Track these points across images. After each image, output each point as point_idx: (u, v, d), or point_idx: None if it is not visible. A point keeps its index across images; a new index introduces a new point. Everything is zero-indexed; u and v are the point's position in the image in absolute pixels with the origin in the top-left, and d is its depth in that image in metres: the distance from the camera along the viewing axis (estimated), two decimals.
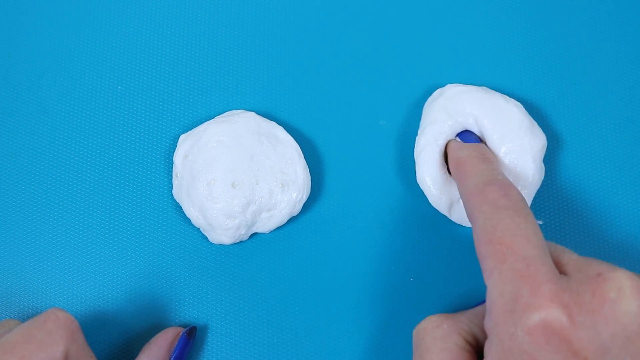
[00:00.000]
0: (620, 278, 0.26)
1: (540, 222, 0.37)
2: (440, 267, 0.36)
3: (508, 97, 0.36)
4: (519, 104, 0.36)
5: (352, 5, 0.40)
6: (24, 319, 0.35)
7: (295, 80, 0.39)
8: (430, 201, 0.35)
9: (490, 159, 0.33)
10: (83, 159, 0.37)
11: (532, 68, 0.39)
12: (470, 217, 0.30)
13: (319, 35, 0.39)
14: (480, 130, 0.35)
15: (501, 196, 0.29)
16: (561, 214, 0.37)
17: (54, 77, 0.38)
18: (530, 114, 0.37)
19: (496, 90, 0.37)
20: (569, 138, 0.38)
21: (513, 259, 0.27)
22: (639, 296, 0.25)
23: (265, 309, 0.36)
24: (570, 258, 0.28)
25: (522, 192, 0.34)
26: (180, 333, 0.34)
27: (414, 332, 0.31)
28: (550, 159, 0.37)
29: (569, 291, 0.26)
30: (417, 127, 0.38)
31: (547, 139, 0.37)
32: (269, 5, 0.40)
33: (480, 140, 0.35)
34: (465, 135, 0.35)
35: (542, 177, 0.35)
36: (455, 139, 0.35)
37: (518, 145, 0.34)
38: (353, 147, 0.38)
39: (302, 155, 0.36)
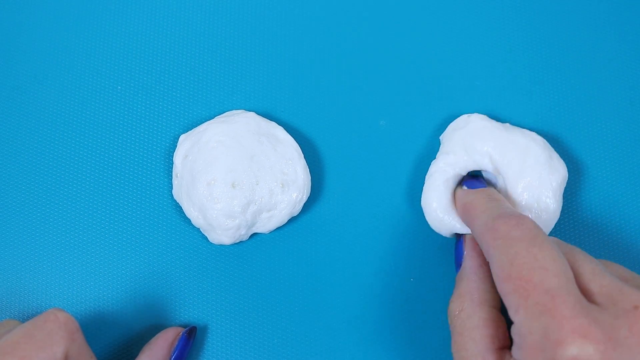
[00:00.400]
0: None
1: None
2: (441, 267, 0.36)
3: (527, 132, 0.35)
4: (538, 137, 0.35)
5: (352, 5, 0.40)
6: (24, 319, 0.35)
7: (295, 81, 0.38)
8: (430, 224, 0.35)
9: (497, 198, 0.33)
10: (83, 159, 0.37)
11: (552, 95, 0.39)
12: (486, 255, 0.29)
13: (318, 35, 0.39)
14: (496, 167, 0.35)
15: (512, 227, 0.28)
16: (579, 239, 0.37)
17: (54, 77, 0.38)
18: (551, 143, 0.37)
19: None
20: (588, 164, 0.38)
21: (536, 293, 0.26)
22: None
23: (265, 309, 0.36)
24: (601, 285, 0.27)
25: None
26: (181, 333, 0.34)
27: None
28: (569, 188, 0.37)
29: (602, 325, 0.25)
30: (417, 127, 0.38)
31: (568, 167, 0.36)
32: (269, 5, 0.40)
33: (487, 185, 0.35)
34: (472, 183, 0.35)
35: (560, 209, 0.35)
36: (462, 187, 0.35)
37: (536, 180, 0.34)
38: (353, 147, 0.38)
39: (302, 156, 0.36)
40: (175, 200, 0.37)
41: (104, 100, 0.38)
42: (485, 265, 0.32)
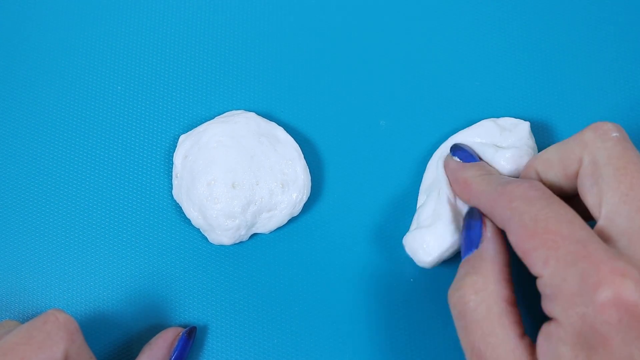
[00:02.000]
0: None
1: None
2: (441, 267, 0.36)
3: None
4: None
5: (351, 6, 0.40)
6: (23, 319, 0.35)
7: (295, 81, 0.38)
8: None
9: (492, 171, 0.33)
10: (83, 159, 0.37)
11: (553, 95, 0.39)
12: (500, 221, 0.29)
13: (318, 35, 0.39)
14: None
15: (528, 189, 0.28)
16: None
17: (53, 77, 0.38)
18: (551, 143, 0.37)
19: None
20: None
21: (567, 243, 0.26)
22: None
23: (265, 309, 0.36)
24: (623, 231, 0.26)
25: None
26: (180, 333, 0.34)
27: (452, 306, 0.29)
28: None
29: (637, 265, 0.25)
30: (418, 126, 0.38)
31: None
32: (269, 5, 0.40)
33: (476, 155, 0.34)
34: (464, 155, 0.34)
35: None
36: (452, 157, 0.34)
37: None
38: (353, 147, 0.38)
39: (302, 156, 0.36)
40: (175, 201, 0.37)
41: (104, 100, 0.38)
42: (507, 251, 0.30)
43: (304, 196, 0.36)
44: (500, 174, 0.33)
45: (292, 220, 0.36)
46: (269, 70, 0.39)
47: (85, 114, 0.38)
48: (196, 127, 0.37)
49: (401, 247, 0.36)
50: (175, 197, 0.36)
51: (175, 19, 0.39)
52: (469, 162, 0.34)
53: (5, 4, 0.39)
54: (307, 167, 0.36)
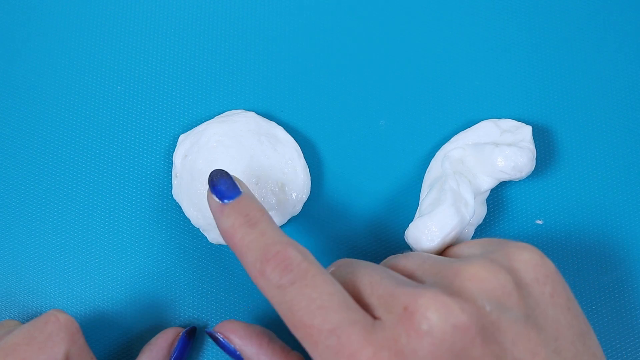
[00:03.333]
0: (424, 306, 0.25)
1: (540, 222, 0.37)
2: None
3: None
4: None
5: (351, 5, 0.40)
6: (24, 319, 0.35)
7: (294, 80, 0.38)
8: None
9: (257, 218, 0.29)
10: (82, 159, 0.37)
11: (553, 95, 0.39)
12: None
13: (318, 35, 0.39)
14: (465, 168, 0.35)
15: (281, 273, 0.27)
16: (561, 213, 0.37)
17: (53, 78, 0.38)
18: (551, 142, 0.37)
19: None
20: (589, 164, 0.38)
21: (322, 337, 0.25)
22: (445, 316, 0.24)
23: (265, 309, 0.36)
24: (378, 296, 0.26)
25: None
26: (180, 333, 0.34)
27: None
28: (552, 156, 0.37)
29: (387, 344, 0.25)
30: (418, 126, 0.38)
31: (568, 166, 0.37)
32: (268, 5, 0.40)
33: (240, 188, 0.30)
34: (221, 190, 0.30)
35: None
36: (211, 195, 0.30)
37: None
38: (353, 146, 0.38)
39: (302, 155, 0.36)
40: (175, 200, 0.37)
41: (103, 99, 0.38)
42: (264, 340, 0.31)
43: (304, 195, 0.36)
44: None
45: (291, 220, 0.36)
46: (268, 70, 0.39)
47: (85, 113, 0.38)
48: (196, 126, 0.37)
49: (401, 247, 0.36)
50: (175, 196, 0.36)
51: (174, 18, 0.39)
52: (227, 199, 0.30)
53: (5, 4, 0.39)
54: (307, 167, 0.36)
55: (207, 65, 0.39)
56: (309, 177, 0.36)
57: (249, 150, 0.35)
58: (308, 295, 0.26)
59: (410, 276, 0.28)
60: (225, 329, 0.31)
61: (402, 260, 0.30)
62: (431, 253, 0.32)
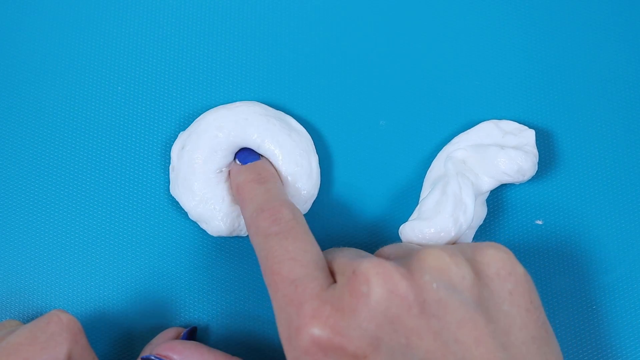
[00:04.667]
0: (367, 270, 0.26)
1: (540, 222, 0.37)
2: None
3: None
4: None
5: (351, 5, 0.40)
6: (25, 320, 0.35)
7: (294, 80, 0.38)
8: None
9: (267, 178, 0.33)
10: (82, 158, 0.37)
11: (553, 95, 0.39)
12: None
13: (317, 35, 0.39)
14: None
15: (270, 223, 0.29)
16: (561, 213, 0.37)
17: (52, 74, 0.38)
18: (551, 142, 0.37)
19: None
20: (589, 164, 0.38)
21: (283, 285, 0.27)
22: (383, 281, 0.26)
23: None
24: (340, 262, 0.28)
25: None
26: (181, 333, 0.34)
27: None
28: (552, 156, 0.37)
29: (332, 300, 0.26)
30: (418, 126, 0.38)
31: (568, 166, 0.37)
32: (268, 3, 0.40)
33: (257, 154, 0.35)
34: (244, 155, 0.35)
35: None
36: (235, 161, 0.35)
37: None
38: (353, 146, 0.38)
39: (315, 149, 0.36)
40: (175, 201, 0.37)
41: (102, 98, 0.38)
42: (207, 352, 0.32)
43: (314, 192, 0.35)
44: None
45: None
46: (267, 70, 0.39)
47: (85, 112, 0.38)
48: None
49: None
50: (172, 192, 0.36)
51: (173, 15, 0.39)
52: (247, 162, 0.34)
53: (5, 3, 0.39)
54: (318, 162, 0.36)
55: (205, 63, 0.39)
56: (319, 174, 0.36)
57: (255, 137, 0.34)
58: (285, 247, 0.28)
59: (385, 259, 0.30)
60: (162, 348, 0.32)
61: (387, 247, 0.31)
62: None
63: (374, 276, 0.26)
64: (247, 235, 0.36)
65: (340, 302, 0.26)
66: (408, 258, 0.28)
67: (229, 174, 0.35)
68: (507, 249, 0.29)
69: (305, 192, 0.35)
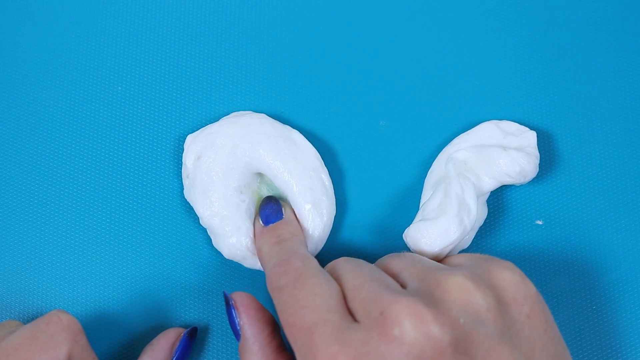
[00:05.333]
0: (399, 312, 0.25)
1: (540, 223, 0.37)
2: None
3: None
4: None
5: (351, 5, 0.40)
6: (26, 320, 0.35)
7: (294, 80, 0.38)
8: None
9: (285, 238, 0.33)
10: (84, 158, 0.37)
11: (553, 96, 0.39)
12: None
13: (317, 35, 0.39)
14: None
15: (280, 276, 0.29)
16: (561, 214, 0.37)
17: (56, 77, 0.38)
18: (551, 142, 0.37)
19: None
20: (589, 164, 0.38)
21: (300, 334, 0.26)
22: (417, 324, 0.25)
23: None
24: (359, 299, 0.27)
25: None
26: (182, 334, 0.34)
27: None
28: (552, 156, 0.37)
29: (355, 344, 0.25)
30: (418, 126, 0.38)
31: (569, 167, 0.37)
32: (270, 6, 0.40)
33: (284, 212, 0.34)
34: (267, 213, 0.34)
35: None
36: (258, 220, 0.35)
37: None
38: (352, 147, 0.38)
39: (323, 162, 0.36)
40: (178, 200, 0.37)
41: (107, 99, 0.38)
42: (267, 329, 0.31)
43: (334, 208, 0.35)
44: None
45: None
46: (268, 70, 0.39)
47: (88, 113, 0.38)
48: (203, 127, 0.36)
49: (402, 247, 0.36)
50: (186, 197, 0.36)
51: (178, 17, 0.39)
52: (270, 223, 0.34)
53: (6, 4, 0.39)
54: (329, 175, 0.36)
55: (209, 65, 0.39)
56: (333, 188, 0.36)
57: (269, 162, 0.35)
58: (295, 296, 0.28)
59: (396, 276, 0.29)
60: (241, 302, 0.31)
61: (394, 259, 0.31)
62: (427, 257, 0.33)
63: (407, 318, 0.25)
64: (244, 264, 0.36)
65: (366, 346, 0.25)
66: (429, 287, 0.27)
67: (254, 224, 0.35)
68: (518, 270, 0.29)
69: (326, 212, 0.35)
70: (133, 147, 0.38)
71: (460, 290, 0.26)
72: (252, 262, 0.35)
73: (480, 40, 0.39)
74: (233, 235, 0.34)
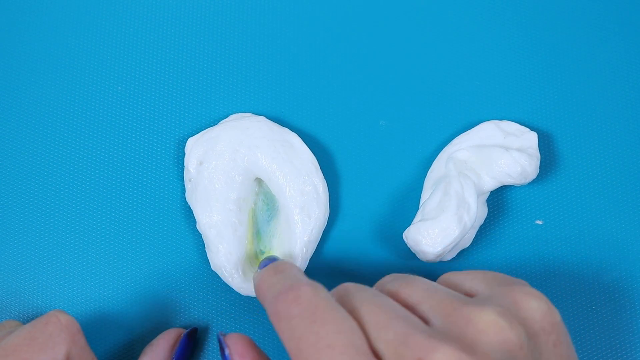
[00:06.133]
0: None
1: (540, 222, 0.37)
2: (443, 268, 0.36)
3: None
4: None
5: (351, 6, 0.40)
6: (25, 320, 0.35)
7: (293, 80, 0.38)
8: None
9: (283, 269, 0.30)
10: (83, 159, 0.37)
11: (553, 96, 0.39)
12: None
13: (316, 36, 0.39)
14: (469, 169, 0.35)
15: (291, 304, 0.26)
16: (561, 214, 0.37)
17: (56, 78, 0.38)
18: (552, 143, 0.37)
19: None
20: (589, 165, 0.38)
21: None
22: None
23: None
24: (386, 341, 0.25)
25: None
26: (182, 334, 0.34)
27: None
28: (551, 157, 0.37)
29: None
30: (418, 126, 0.38)
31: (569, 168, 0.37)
32: (270, 7, 0.40)
33: (276, 258, 0.33)
34: (265, 263, 0.32)
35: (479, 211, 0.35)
36: (257, 270, 0.32)
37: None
38: (352, 147, 0.38)
39: (319, 169, 0.36)
40: (178, 202, 0.37)
41: (107, 101, 0.38)
42: None
43: (325, 217, 0.35)
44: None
45: None
46: (268, 71, 0.39)
47: (90, 114, 0.38)
48: (203, 130, 0.37)
49: (402, 247, 0.36)
50: (188, 200, 0.36)
51: (178, 19, 0.39)
52: (264, 266, 0.31)
53: (6, 4, 0.40)
54: (325, 182, 0.36)
55: (210, 65, 0.39)
56: (328, 195, 0.36)
57: (266, 166, 0.35)
58: (316, 332, 0.25)
59: (414, 308, 0.27)
60: (237, 350, 0.30)
61: (405, 289, 0.29)
62: (429, 257, 0.32)
63: None
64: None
65: None
66: (459, 325, 0.26)
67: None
68: (544, 297, 0.27)
69: (314, 217, 0.35)
70: (133, 148, 0.38)
71: (495, 330, 0.25)
72: (236, 285, 0.35)
73: (480, 40, 0.39)
74: (224, 257, 0.34)
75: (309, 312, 0.26)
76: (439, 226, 0.32)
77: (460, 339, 0.25)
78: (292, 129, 0.37)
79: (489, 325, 0.25)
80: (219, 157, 0.35)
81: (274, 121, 0.37)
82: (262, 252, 0.35)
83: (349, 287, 0.28)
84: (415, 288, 0.28)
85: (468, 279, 0.29)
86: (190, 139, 0.36)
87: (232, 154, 0.35)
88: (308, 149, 0.36)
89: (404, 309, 0.27)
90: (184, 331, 0.34)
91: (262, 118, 0.36)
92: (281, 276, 0.29)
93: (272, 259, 0.32)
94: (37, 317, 0.32)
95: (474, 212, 0.33)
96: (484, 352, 0.25)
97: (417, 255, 0.34)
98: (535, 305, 0.27)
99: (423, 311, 0.27)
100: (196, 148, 0.36)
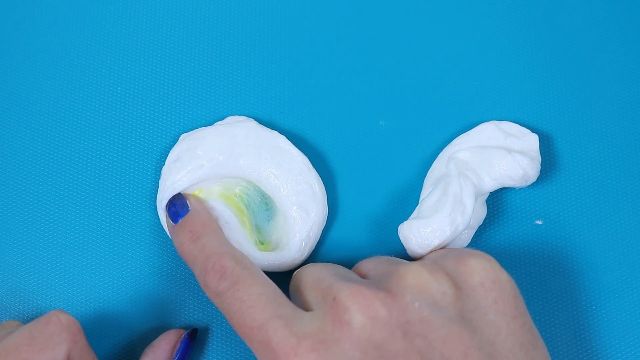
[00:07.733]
0: (345, 297, 0.26)
1: (540, 222, 0.37)
2: None
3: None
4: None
5: (350, 6, 0.40)
6: (25, 320, 0.35)
7: (293, 81, 0.38)
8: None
9: (199, 233, 0.32)
10: (83, 158, 0.37)
11: (553, 96, 0.39)
12: None
13: (316, 36, 0.39)
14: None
15: (218, 281, 0.29)
16: (561, 214, 0.37)
17: (55, 78, 0.38)
18: (552, 143, 0.37)
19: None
20: (590, 165, 0.38)
21: (254, 334, 0.27)
22: (363, 309, 0.26)
23: None
24: (316, 289, 0.28)
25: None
26: (183, 335, 0.34)
27: None
28: (551, 157, 0.37)
29: (311, 332, 0.26)
30: (417, 127, 0.38)
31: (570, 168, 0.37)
32: (267, 8, 0.40)
33: (189, 205, 0.34)
34: (171, 212, 0.34)
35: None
36: (168, 219, 0.34)
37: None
38: (352, 147, 0.38)
39: (312, 167, 0.36)
40: None
41: (103, 100, 0.38)
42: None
43: (324, 214, 0.35)
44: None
45: None
46: (267, 70, 0.39)
47: (85, 115, 0.38)
48: (198, 129, 0.37)
49: (401, 247, 0.36)
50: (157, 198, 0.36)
51: (174, 20, 0.39)
52: (179, 219, 0.33)
53: (5, 4, 0.40)
54: (320, 178, 0.36)
55: (210, 66, 0.39)
56: (325, 192, 0.35)
57: (250, 171, 0.35)
58: (239, 298, 0.28)
59: (364, 276, 0.30)
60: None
61: (365, 262, 0.31)
62: (417, 256, 0.33)
63: (354, 303, 0.26)
64: None
65: (322, 333, 0.26)
66: (388, 276, 0.28)
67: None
68: (490, 257, 0.29)
69: (313, 214, 0.35)
70: (133, 148, 0.38)
71: (414, 276, 0.27)
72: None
73: (480, 41, 0.39)
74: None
75: (233, 283, 0.29)
76: (431, 226, 0.32)
77: (380, 283, 0.27)
78: (292, 129, 0.37)
79: (408, 273, 0.27)
80: (194, 159, 0.35)
81: (274, 122, 0.37)
82: (262, 244, 0.35)
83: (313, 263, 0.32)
84: (372, 260, 0.31)
85: (433, 253, 0.32)
86: (183, 135, 0.36)
87: (206, 161, 0.35)
88: (297, 149, 0.36)
89: (350, 272, 0.30)
90: (184, 332, 0.34)
91: (253, 124, 0.36)
92: (199, 247, 0.31)
93: (179, 203, 0.33)
94: (37, 317, 0.32)
95: (469, 214, 0.33)
96: (398, 293, 0.27)
97: (407, 252, 0.34)
98: (474, 262, 0.28)
99: (370, 276, 0.30)
100: (181, 143, 0.36)
